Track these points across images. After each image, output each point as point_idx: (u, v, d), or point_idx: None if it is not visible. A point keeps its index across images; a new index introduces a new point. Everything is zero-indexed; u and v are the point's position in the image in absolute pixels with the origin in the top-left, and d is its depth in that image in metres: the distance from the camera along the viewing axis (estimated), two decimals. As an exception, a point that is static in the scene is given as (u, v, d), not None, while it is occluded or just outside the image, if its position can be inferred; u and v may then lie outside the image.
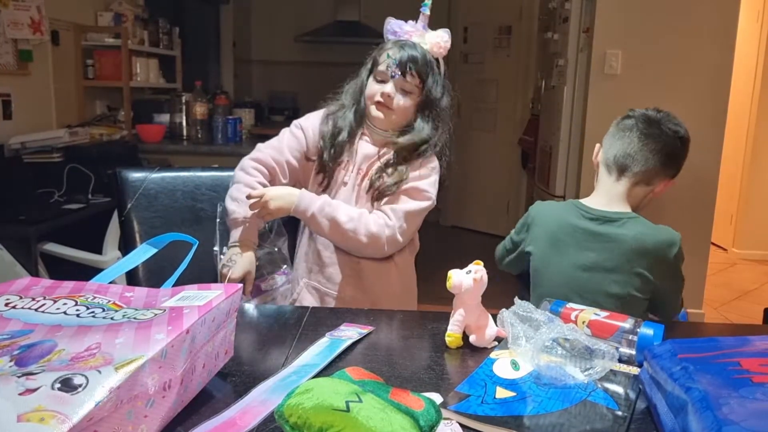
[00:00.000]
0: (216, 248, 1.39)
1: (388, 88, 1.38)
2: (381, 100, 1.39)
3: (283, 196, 1.35)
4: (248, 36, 6.05)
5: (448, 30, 1.41)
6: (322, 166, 1.45)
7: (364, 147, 1.46)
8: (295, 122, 1.51)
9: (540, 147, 3.91)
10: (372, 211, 1.41)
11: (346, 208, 1.38)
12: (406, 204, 1.40)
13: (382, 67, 1.39)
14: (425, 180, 1.42)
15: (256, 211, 1.35)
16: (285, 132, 1.49)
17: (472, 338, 1.01)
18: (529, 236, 1.49)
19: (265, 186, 1.40)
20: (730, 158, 4.36)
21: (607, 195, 1.43)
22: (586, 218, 1.41)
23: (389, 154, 1.42)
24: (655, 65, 2.97)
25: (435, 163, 1.45)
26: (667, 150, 1.40)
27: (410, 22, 1.41)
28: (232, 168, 1.55)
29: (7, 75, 2.79)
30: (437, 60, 1.42)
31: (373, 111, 1.41)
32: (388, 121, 1.42)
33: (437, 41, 1.39)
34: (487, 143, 4.82)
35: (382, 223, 1.38)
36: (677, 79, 2.96)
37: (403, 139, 1.41)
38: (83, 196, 2.64)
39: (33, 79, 2.97)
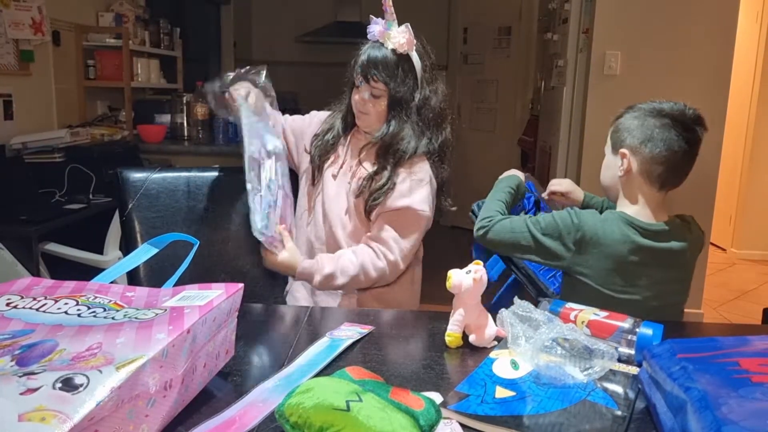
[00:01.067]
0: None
1: (360, 95, 1.43)
2: (357, 108, 1.45)
3: (289, 262, 1.40)
4: (249, 36, 6.05)
5: (407, 24, 1.39)
6: (311, 159, 1.52)
7: (354, 146, 1.50)
8: (312, 113, 1.62)
9: (539, 147, 3.91)
10: (348, 204, 1.45)
11: (349, 258, 1.40)
12: (405, 232, 1.42)
13: (354, 73, 1.44)
14: (417, 195, 1.41)
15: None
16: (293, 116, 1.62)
17: (471, 338, 1.01)
18: (584, 258, 1.28)
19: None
20: (729, 158, 4.37)
21: (651, 205, 1.32)
22: (643, 236, 1.27)
23: (371, 155, 1.46)
24: (655, 66, 2.97)
25: (422, 169, 1.43)
26: (696, 151, 1.37)
27: (379, 20, 1.41)
28: (232, 168, 1.55)
29: (9, 75, 2.79)
30: (406, 56, 1.40)
31: (357, 117, 1.47)
32: (368, 124, 1.46)
33: (397, 39, 1.38)
34: (487, 143, 4.82)
35: (384, 257, 1.41)
36: (676, 79, 2.96)
37: (372, 140, 1.45)
38: (84, 196, 2.64)
39: (34, 79, 2.98)
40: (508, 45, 4.70)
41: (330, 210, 1.46)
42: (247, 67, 1.45)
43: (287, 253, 1.39)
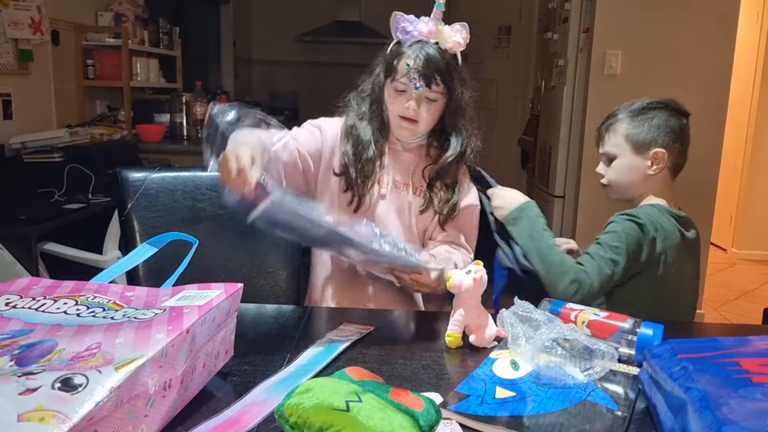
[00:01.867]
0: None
1: (413, 102, 1.28)
2: (406, 115, 1.30)
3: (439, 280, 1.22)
4: (248, 36, 6.05)
5: (464, 24, 1.30)
6: (350, 185, 1.34)
7: (397, 157, 1.37)
8: (310, 121, 1.40)
9: (540, 147, 3.91)
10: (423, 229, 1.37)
11: (446, 258, 1.30)
12: (473, 230, 1.39)
13: (402, 78, 1.28)
14: (472, 191, 1.40)
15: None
16: (298, 129, 1.38)
17: (471, 338, 1.01)
18: (658, 254, 1.32)
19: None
20: (729, 158, 4.36)
21: (672, 197, 1.41)
22: (679, 224, 1.36)
23: (427, 167, 1.36)
24: (655, 65, 2.97)
25: (465, 171, 1.41)
26: None
27: (423, 18, 1.30)
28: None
29: (8, 75, 2.79)
30: (455, 56, 1.31)
31: (398, 125, 1.32)
32: (414, 132, 1.34)
33: (457, 39, 1.28)
34: (487, 143, 4.82)
35: (469, 260, 1.33)
36: (677, 79, 2.96)
37: (442, 161, 1.34)
38: (83, 195, 2.64)
39: (33, 79, 2.97)
40: (508, 44, 4.70)
41: (384, 229, 1.29)
42: (215, 110, 1.22)
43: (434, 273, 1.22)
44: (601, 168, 1.45)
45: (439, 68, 1.27)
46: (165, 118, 3.70)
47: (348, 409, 0.65)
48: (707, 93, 2.96)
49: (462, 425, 0.76)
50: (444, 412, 0.76)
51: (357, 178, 1.33)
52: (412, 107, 1.28)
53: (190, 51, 4.61)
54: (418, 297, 1.40)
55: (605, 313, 1.02)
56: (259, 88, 6.02)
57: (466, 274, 1.00)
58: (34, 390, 0.58)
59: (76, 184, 2.69)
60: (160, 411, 0.69)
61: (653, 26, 2.95)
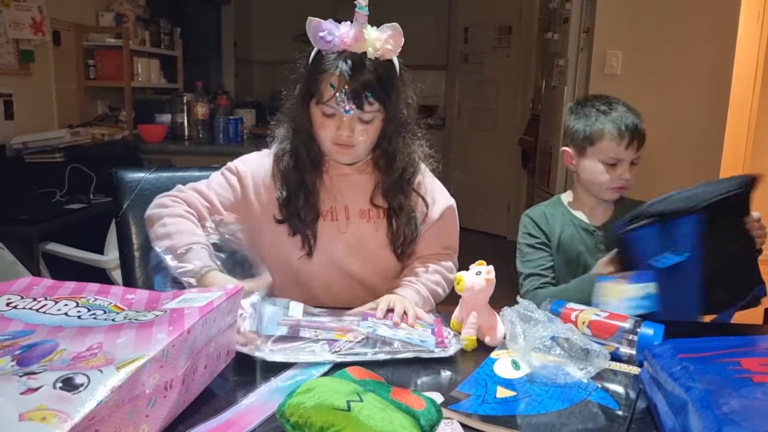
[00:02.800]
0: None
1: (345, 128, 1.11)
2: (339, 142, 1.13)
3: (403, 302, 1.09)
4: (249, 36, 6.05)
5: (395, 24, 1.10)
6: (300, 228, 1.18)
7: (350, 181, 1.22)
8: (231, 167, 1.23)
9: (540, 147, 3.91)
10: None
11: (429, 276, 1.22)
12: (455, 232, 1.31)
13: (329, 102, 1.10)
14: (441, 193, 1.29)
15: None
16: (217, 179, 1.22)
17: (486, 339, 1.01)
18: None
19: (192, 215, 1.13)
20: (730, 158, 4.36)
21: None
22: None
23: (373, 192, 1.22)
24: (656, 65, 2.96)
25: (425, 172, 1.28)
26: None
27: (345, 23, 1.10)
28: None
29: (9, 75, 2.79)
30: (390, 62, 1.13)
31: (333, 151, 1.16)
32: (353, 157, 1.19)
33: (384, 45, 1.09)
34: (488, 143, 4.82)
35: (451, 265, 1.28)
36: (678, 79, 2.96)
37: (389, 181, 1.20)
38: (85, 196, 2.64)
39: (34, 79, 2.97)
40: (509, 44, 4.70)
41: (349, 264, 1.21)
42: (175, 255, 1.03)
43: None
44: (628, 172, 1.40)
45: (369, 84, 1.08)
46: (166, 118, 3.70)
47: (349, 409, 0.66)
48: (708, 93, 2.96)
49: (463, 425, 0.76)
50: (445, 412, 0.76)
51: (310, 220, 1.17)
52: (344, 134, 1.11)
53: (191, 51, 4.61)
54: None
55: (606, 313, 1.02)
56: (260, 89, 6.02)
57: (477, 276, 0.99)
58: (36, 389, 0.58)
59: (78, 185, 2.69)
60: (162, 411, 0.69)
61: (653, 26, 2.94)
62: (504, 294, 1.12)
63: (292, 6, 5.83)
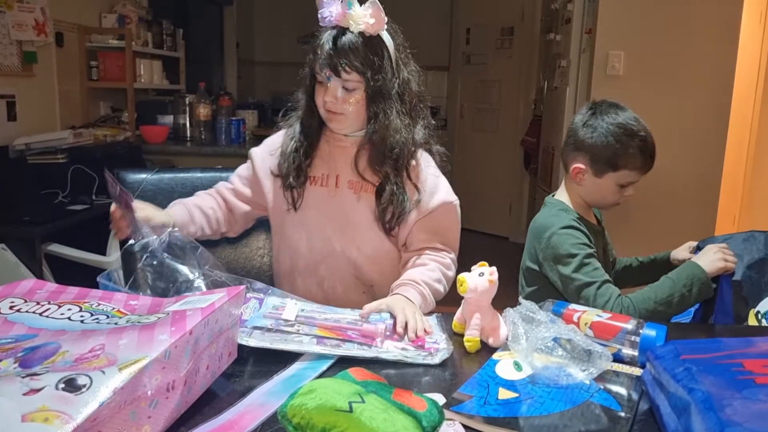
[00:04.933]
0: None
1: (329, 95, 1.21)
2: (327, 108, 1.23)
3: (407, 305, 1.10)
4: (252, 37, 6.05)
5: (374, 1, 1.18)
6: (286, 185, 1.29)
7: (347, 153, 1.28)
8: (249, 151, 1.40)
9: (542, 148, 3.91)
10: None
11: (430, 274, 1.23)
12: (454, 230, 1.31)
13: (317, 68, 1.22)
14: (442, 187, 1.29)
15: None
16: (241, 166, 1.41)
17: (490, 341, 1.01)
18: None
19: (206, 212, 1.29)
20: (733, 159, 4.35)
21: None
22: None
23: (365, 161, 1.27)
24: (658, 66, 2.96)
25: (429, 161, 1.31)
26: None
27: (336, 1, 1.20)
28: (235, 169, 1.54)
29: (12, 76, 2.80)
30: (377, 37, 1.21)
31: (327, 118, 1.26)
32: (344, 125, 1.26)
33: (364, 20, 1.18)
34: (490, 144, 4.82)
35: (449, 263, 1.28)
36: (680, 80, 2.95)
37: (375, 155, 1.25)
38: (87, 197, 2.64)
39: (37, 80, 2.98)
40: (511, 45, 4.70)
41: (337, 235, 1.27)
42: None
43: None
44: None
45: (345, 55, 1.18)
46: (168, 119, 3.70)
47: (351, 410, 0.66)
48: (710, 93, 2.95)
49: (465, 426, 0.76)
50: (447, 413, 0.76)
51: (293, 178, 1.28)
52: (329, 100, 1.22)
53: (194, 52, 4.61)
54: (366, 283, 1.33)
55: (608, 315, 1.01)
56: (263, 90, 6.03)
57: (479, 277, 0.99)
58: (38, 390, 0.58)
59: (80, 185, 2.70)
60: (164, 412, 0.69)
61: (656, 27, 2.94)
62: (505, 295, 1.12)
63: (295, 7, 5.85)
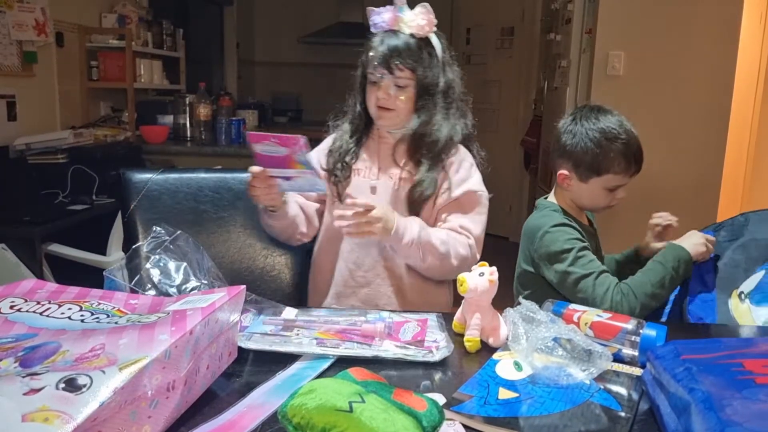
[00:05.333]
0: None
1: (382, 90, 1.32)
2: (380, 105, 1.34)
3: (387, 216, 1.24)
4: (252, 37, 6.05)
5: (425, 5, 1.31)
6: (335, 179, 1.39)
7: (390, 149, 1.38)
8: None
9: (543, 148, 3.91)
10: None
11: (435, 231, 1.31)
12: (477, 219, 1.36)
13: (371, 71, 1.33)
14: (473, 178, 1.37)
15: (348, 226, 1.22)
16: None
17: (490, 341, 1.01)
18: None
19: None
20: (733, 159, 4.35)
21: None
22: None
23: (403, 154, 1.37)
24: (658, 66, 2.96)
25: (466, 155, 1.40)
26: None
27: (388, 7, 1.32)
28: (235, 169, 1.54)
29: (12, 76, 2.80)
30: (425, 38, 1.33)
31: (377, 116, 1.36)
32: (394, 121, 1.36)
33: (416, 22, 1.30)
34: (490, 144, 4.80)
35: (465, 243, 1.32)
36: (680, 80, 2.95)
37: (402, 134, 1.36)
38: (87, 197, 2.64)
39: (37, 80, 2.98)
40: (511, 45, 4.70)
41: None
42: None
43: (383, 208, 1.24)
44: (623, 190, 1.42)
45: (399, 54, 1.29)
46: (168, 119, 3.70)
47: (351, 410, 0.66)
48: (710, 94, 2.95)
49: (465, 426, 0.76)
50: (447, 413, 0.76)
51: (337, 171, 1.38)
52: (381, 97, 1.32)
53: (194, 52, 4.61)
54: (419, 302, 1.37)
55: (608, 315, 1.01)
56: (263, 90, 6.03)
57: (480, 276, 0.99)
58: (39, 390, 0.58)
59: (80, 186, 2.70)
60: (164, 412, 0.69)
61: (656, 27, 2.94)
62: (506, 295, 1.12)
63: (295, 7, 5.85)
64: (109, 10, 3.55)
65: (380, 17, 1.32)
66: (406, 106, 1.34)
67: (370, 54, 1.32)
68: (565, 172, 1.40)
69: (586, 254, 1.31)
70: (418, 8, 1.31)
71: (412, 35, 1.31)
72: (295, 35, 5.78)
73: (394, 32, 1.32)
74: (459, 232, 1.34)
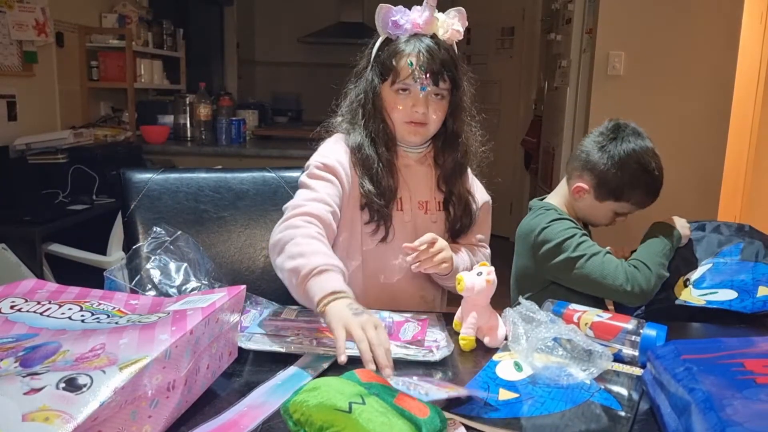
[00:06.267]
0: None
1: (421, 105, 1.16)
2: (414, 120, 1.17)
3: (445, 244, 1.14)
4: (252, 37, 6.05)
5: (461, 9, 1.17)
6: (373, 215, 1.19)
7: (412, 173, 1.25)
8: (317, 165, 1.20)
9: (543, 148, 3.91)
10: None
11: (466, 255, 1.25)
12: (489, 226, 1.36)
13: (406, 80, 1.15)
14: (479, 187, 1.35)
15: (417, 264, 1.11)
16: (314, 182, 1.18)
17: (486, 340, 1.01)
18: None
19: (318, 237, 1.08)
20: (733, 159, 4.35)
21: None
22: None
23: (440, 179, 1.26)
24: (658, 66, 2.96)
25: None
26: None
27: (415, 8, 1.16)
28: (235, 169, 1.54)
29: (12, 76, 2.80)
30: (452, 46, 1.20)
31: (406, 131, 1.20)
32: (423, 137, 1.22)
33: (456, 27, 1.16)
34: (490, 144, 4.81)
35: (482, 257, 1.29)
36: (680, 80, 2.95)
37: (451, 166, 1.25)
38: (88, 197, 2.64)
39: (38, 80, 2.98)
40: (512, 45, 4.70)
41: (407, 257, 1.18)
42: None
43: (442, 241, 1.15)
44: None
45: (444, 61, 1.15)
46: (169, 119, 3.70)
47: (350, 411, 0.66)
48: (710, 94, 2.95)
49: (466, 426, 0.76)
50: (448, 414, 0.76)
51: (381, 206, 1.19)
52: (420, 110, 1.16)
53: (194, 52, 4.61)
54: (430, 302, 1.32)
55: (608, 315, 1.01)
56: (263, 90, 6.03)
57: (477, 276, 0.99)
58: (39, 390, 0.58)
59: (81, 185, 2.70)
60: (164, 412, 0.69)
61: (656, 27, 2.94)
62: (506, 295, 1.12)
63: (295, 7, 5.85)
64: (109, 10, 3.55)
65: (406, 18, 1.15)
66: (438, 119, 1.19)
67: (408, 60, 1.14)
68: (585, 186, 1.39)
69: (586, 239, 1.32)
70: (454, 12, 1.17)
71: (444, 41, 1.17)
72: (295, 35, 5.78)
73: (423, 36, 1.16)
74: (477, 245, 1.32)
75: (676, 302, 1.27)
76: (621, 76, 2.99)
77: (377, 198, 1.18)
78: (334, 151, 1.23)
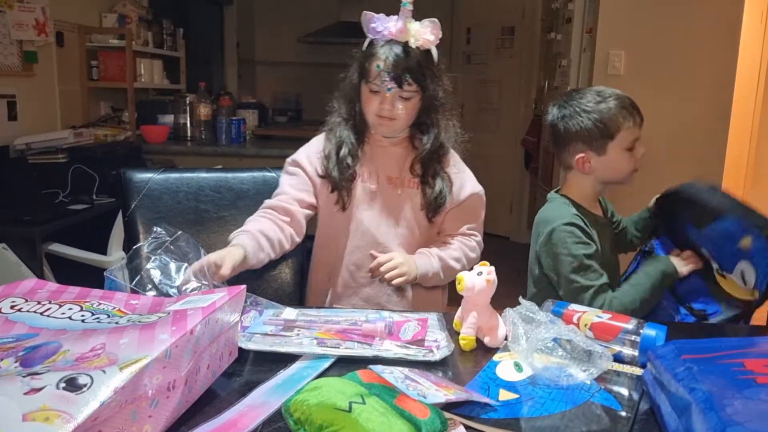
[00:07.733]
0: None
1: (387, 103, 1.31)
2: (382, 114, 1.33)
3: (406, 259, 1.32)
4: (252, 37, 6.05)
5: (434, 20, 1.31)
6: (335, 185, 1.37)
7: (386, 152, 1.40)
8: (288, 162, 1.44)
9: (543, 147, 3.91)
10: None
11: (448, 251, 1.38)
12: (480, 217, 1.46)
13: (375, 81, 1.30)
14: (471, 179, 1.44)
15: (385, 277, 1.29)
16: (282, 178, 1.43)
17: (486, 340, 1.01)
18: None
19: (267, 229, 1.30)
20: (734, 159, 4.35)
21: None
22: None
23: (415, 160, 1.39)
24: (659, 66, 2.96)
25: (455, 156, 1.44)
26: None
27: (392, 17, 1.30)
28: (235, 169, 1.54)
29: (12, 76, 2.80)
30: (428, 51, 1.32)
31: (376, 123, 1.35)
32: (393, 128, 1.36)
33: (426, 36, 1.29)
34: (490, 144, 4.82)
35: (474, 245, 1.43)
36: (681, 79, 2.95)
37: (422, 153, 1.38)
38: (88, 196, 2.64)
39: (38, 80, 2.98)
40: (512, 45, 4.70)
41: (378, 229, 1.38)
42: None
43: (403, 255, 1.33)
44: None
45: (409, 68, 1.29)
46: (169, 119, 3.70)
47: (350, 410, 0.66)
48: (711, 93, 2.95)
49: (466, 427, 0.76)
50: (448, 415, 0.76)
51: (340, 179, 1.36)
52: (386, 108, 1.31)
53: (194, 52, 4.61)
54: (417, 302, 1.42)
55: (608, 315, 1.01)
56: (263, 89, 6.03)
57: (477, 276, 0.99)
58: (39, 390, 0.58)
59: (81, 185, 2.70)
60: (164, 411, 0.69)
61: (656, 26, 2.94)
62: (506, 295, 1.12)
63: (295, 7, 5.85)
64: (109, 10, 3.55)
65: (383, 26, 1.29)
66: (408, 115, 1.34)
67: (376, 64, 1.29)
68: (580, 155, 1.38)
69: (590, 264, 1.30)
70: (427, 22, 1.30)
71: (416, 47, 1.29)
72: (295, 35, 5.77)
73: (397, 43, 1.29)
74: (467, 234, 1.43)
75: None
76: (621, 76, 2.99)
77: (334, 168, 1.37)
78: (307, 147, 1.45)
